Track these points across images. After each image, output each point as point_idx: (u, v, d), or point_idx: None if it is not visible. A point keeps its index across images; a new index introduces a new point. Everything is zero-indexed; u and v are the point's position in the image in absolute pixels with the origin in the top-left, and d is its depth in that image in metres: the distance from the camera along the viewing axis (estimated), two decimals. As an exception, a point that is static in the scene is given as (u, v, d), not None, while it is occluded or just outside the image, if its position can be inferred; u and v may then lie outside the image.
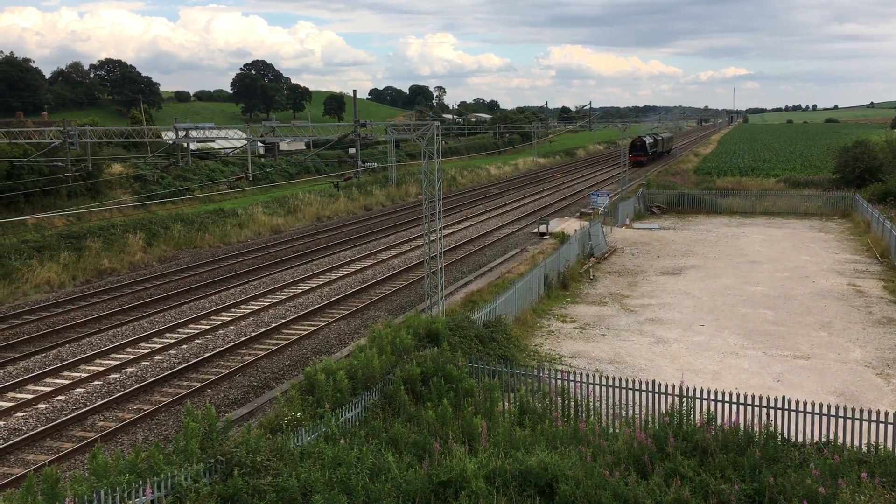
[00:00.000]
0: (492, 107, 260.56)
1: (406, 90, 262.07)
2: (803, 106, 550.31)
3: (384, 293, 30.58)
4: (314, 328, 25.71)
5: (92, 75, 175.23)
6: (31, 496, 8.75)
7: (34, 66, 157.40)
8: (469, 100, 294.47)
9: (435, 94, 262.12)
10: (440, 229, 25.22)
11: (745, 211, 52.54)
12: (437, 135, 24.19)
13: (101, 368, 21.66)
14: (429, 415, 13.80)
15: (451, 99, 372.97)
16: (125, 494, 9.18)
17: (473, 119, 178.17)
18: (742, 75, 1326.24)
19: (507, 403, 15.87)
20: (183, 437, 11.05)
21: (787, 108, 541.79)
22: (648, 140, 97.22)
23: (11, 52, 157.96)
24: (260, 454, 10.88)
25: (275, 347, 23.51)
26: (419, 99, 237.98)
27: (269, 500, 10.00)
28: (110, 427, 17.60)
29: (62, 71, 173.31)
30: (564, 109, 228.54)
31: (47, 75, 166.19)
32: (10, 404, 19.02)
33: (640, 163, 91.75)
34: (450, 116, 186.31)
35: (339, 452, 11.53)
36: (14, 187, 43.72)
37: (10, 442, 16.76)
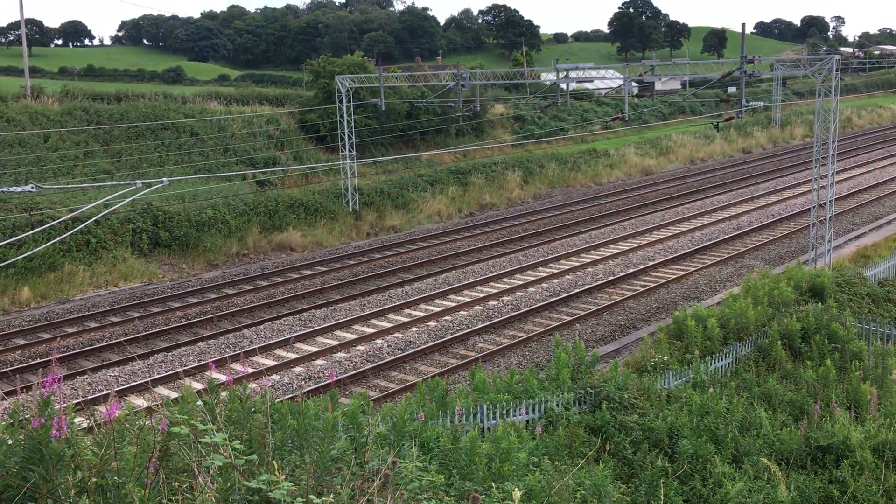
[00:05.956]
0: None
1: (797, 22, 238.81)
2: None
3: (760, 241, 28.84)
4: (683, 273, 25.20)
5: (480, 21, 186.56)
6: (424, 401, 9.88)
7: (431, 14, 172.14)
8: (873, 30, 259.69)
9: (831, 24, 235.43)
10: (832, 175, 22.96)
11: None
12: (837, 69, 21.83)
13: (482, 295, 23.54)
14: (808, 374, 12.87)
15: (851, 30, 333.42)
16: (504, 412, 9.97)
17: (877, 52, 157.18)
18: None
19: (902, 372, 14.16)
20: (554, 367, 11.61)
21: None
22: None
23: (412, 2, 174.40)
24: (627, 391, 11.05)
25: (642, 289, 23.52)
26: (812, 31, 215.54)
27: (635, 436, 10.14)
28: (488, 349, 19.14)
29: (454, 18, 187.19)
30: None
31: (441, 22, 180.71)
32: (406, 319, 21.58)
33: None
34: (848, 50, 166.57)
35: (706, 400, 11.26)
36: (412, 126, 48.63)
37: (407, 352, 19.08)
